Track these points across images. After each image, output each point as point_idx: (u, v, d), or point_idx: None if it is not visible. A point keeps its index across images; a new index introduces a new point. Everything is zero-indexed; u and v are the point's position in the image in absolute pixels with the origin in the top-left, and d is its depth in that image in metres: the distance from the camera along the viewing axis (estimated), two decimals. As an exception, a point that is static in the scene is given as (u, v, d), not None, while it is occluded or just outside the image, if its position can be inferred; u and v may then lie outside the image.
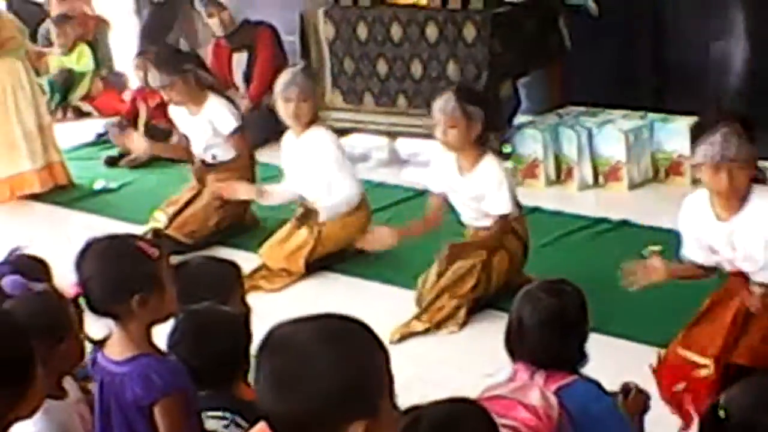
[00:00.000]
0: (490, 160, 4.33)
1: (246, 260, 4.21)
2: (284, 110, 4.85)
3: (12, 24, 6.20)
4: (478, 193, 4.32)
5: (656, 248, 4.67)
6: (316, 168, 4.87)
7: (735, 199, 3.45)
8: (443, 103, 4.29)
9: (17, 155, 6.12)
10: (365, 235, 4.56)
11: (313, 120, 4.92)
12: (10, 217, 5.97)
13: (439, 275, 4.31)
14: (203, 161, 5.40)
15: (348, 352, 1.70)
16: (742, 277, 3.54)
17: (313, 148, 4.88)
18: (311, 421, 1.68)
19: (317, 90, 5.18)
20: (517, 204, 4.44)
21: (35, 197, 6.17)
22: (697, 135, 3.60)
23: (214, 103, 5.29)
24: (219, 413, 2.64)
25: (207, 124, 5.29)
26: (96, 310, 2.49)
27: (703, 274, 3.66)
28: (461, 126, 4.25)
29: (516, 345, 2.87)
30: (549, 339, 2.81)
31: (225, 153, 5.35)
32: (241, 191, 5.10)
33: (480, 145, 4.34)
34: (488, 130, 4.37)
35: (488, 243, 4.34)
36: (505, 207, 4.29)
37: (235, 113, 5.34)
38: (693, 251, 3.65)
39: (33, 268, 3.15)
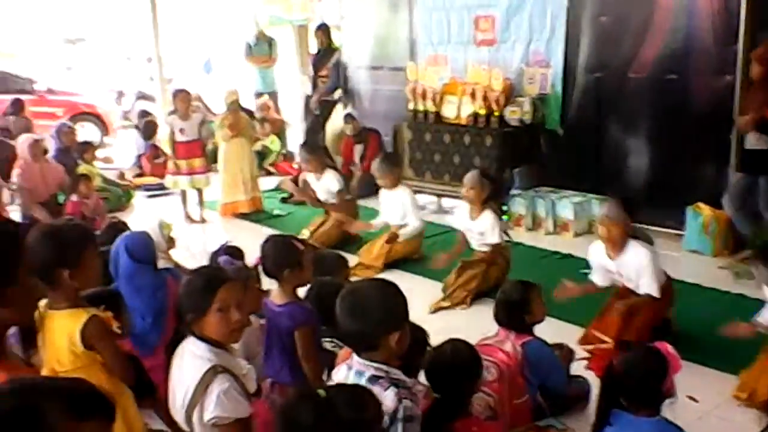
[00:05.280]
0: (488, 213, 4.23)
1: (350, 259, 4.20)
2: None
3: (246, 120, 6.45)
4: (481, 230, 4.26)
5: (588, 270, 4.58)
6: (400, 209, 4.90)
7: (616, 246, 3.39)
8: (469, 175, 4.27)
9: (237, 190, 6.31)
10: (433, 255, 4.41)
11: (398, 182, 4.96)
12: (227, 225, 6.13)
13: (457, 277, 4.26)
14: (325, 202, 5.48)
15: (387, 295, 1.80)
16: (628, 288, 3.51)
17: (398, 197, 4.91)
18: (371, 334, 1.76)
19: (396, 168, 5.09)
20: (506, 237, 4.36)
21: (243, 215, 6.29)
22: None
23: (328, 174, 5.42)
24: (331, 339, 2.70)
25: (323, 186, 5.40)
26: (268, 274, 2.58)
27: (600, 289, 3.63)
28: (476, 188, 4.20)
29: (497, 317, 2.89)
30: (503, 312, 2.86)
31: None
32: (356, 226, 5.16)
33: (485, 204, 4.24)
34: (491, 199, 4.26)
35: (485, 259, 4.27)
36: (496, 239, 4.23)
37: (339, 181, 5.42)
38: (597, 276, 3.63)
39: (235, 253, 3.29)
